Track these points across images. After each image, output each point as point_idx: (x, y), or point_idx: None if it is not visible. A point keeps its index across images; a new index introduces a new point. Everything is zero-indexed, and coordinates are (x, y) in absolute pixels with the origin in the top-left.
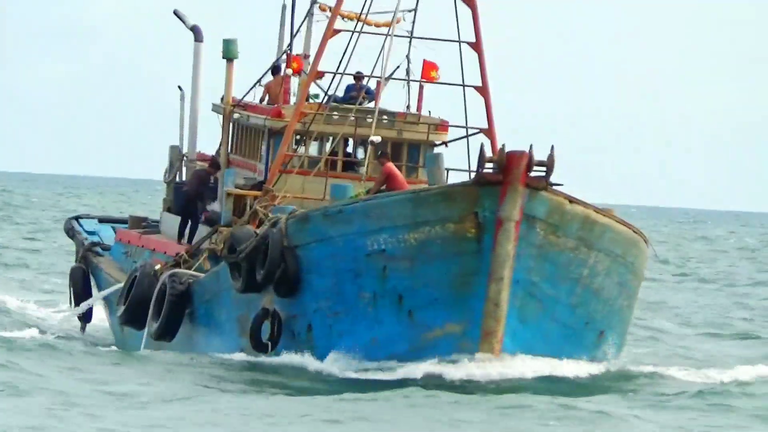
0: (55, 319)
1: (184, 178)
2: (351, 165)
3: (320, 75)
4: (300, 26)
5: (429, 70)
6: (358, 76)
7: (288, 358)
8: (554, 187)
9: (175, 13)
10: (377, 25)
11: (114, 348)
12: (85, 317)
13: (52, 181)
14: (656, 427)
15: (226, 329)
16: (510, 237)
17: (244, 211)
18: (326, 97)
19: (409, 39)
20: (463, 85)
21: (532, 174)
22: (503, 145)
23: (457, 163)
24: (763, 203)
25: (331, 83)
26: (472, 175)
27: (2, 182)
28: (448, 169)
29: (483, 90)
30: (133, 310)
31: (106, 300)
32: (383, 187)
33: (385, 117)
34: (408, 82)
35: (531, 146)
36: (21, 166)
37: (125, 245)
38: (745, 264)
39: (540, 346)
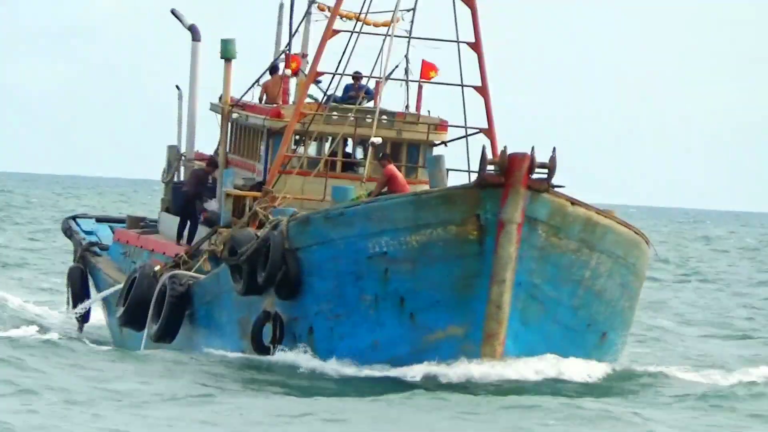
0: (55, 318)
1: (182, 178)
2: (350, 165)
3: (319, 75)
4: (298, 26)
5: (428, 70)
6: (357, 76)
7: (288, 358)
8: (556, 189)
9: (173, 12)
10: (376, 25)
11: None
12: (83, 317)
13: (52, 182)
14: (658, 426)
15: (226, 331)
16: (512, 239)
17: (243, 211)
18: (325, 97)
19: (408, 39)
20: (462, 85)
21: (534, 176)
22: (505, 147)
23: (457, 163)
24: (763, 203)
25: (330, 83)
26: (473, 175)
27: (2, 182)
28: (448, 170)
29: (483, 90)
30: (132, 312)
31: (105, 301)
32: (384, 189)
33: (384, 117)
34: (407, 82)
35: (533, 148)
36: (21, 166)
37: (123, 245)
38: (745, 264)
39: (542, 348)
